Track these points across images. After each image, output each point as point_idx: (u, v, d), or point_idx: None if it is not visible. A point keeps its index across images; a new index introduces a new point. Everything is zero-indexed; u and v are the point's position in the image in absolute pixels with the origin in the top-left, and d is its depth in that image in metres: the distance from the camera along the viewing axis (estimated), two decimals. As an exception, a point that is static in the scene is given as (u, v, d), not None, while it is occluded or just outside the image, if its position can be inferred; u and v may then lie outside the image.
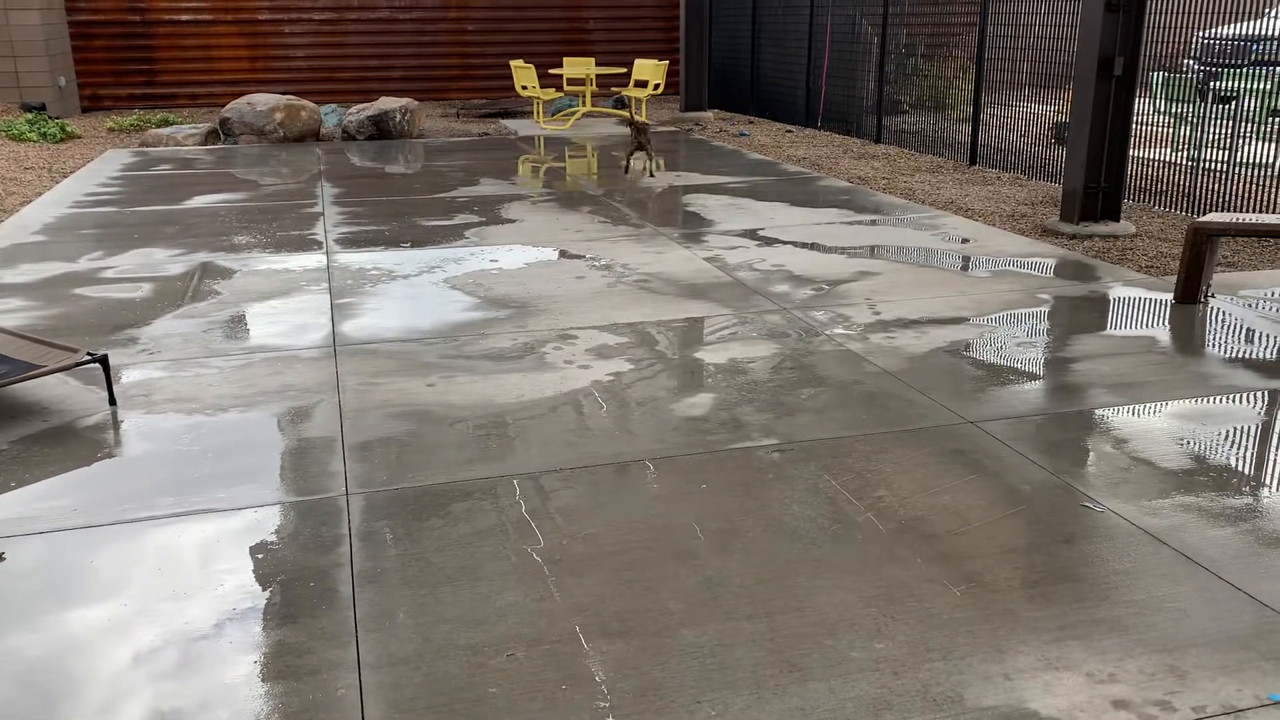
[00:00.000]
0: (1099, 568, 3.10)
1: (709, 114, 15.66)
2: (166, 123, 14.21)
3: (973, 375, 4.71)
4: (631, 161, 10.82)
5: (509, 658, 2.67)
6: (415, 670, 2.62)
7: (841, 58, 13.32)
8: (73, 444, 3.98)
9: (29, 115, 13.26)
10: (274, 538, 3.28)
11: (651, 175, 10.33)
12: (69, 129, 12.96)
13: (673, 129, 14.48)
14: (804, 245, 7.29)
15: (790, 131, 14.05)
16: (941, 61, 11.54)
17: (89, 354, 4.33)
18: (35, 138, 12.28)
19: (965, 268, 6.66)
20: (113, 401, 4.36)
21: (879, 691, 2.55)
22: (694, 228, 7.89)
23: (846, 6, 13.05)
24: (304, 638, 2.75)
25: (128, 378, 4.68)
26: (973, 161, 10.84)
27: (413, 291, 6.13)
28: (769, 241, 7.42)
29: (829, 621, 2.83)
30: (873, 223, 8.06)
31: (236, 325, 5.49)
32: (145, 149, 12.44)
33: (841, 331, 5.32)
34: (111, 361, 4.82)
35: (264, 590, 2.98)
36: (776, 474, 3.73)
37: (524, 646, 2.72)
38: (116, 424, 4.17)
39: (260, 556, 3.17)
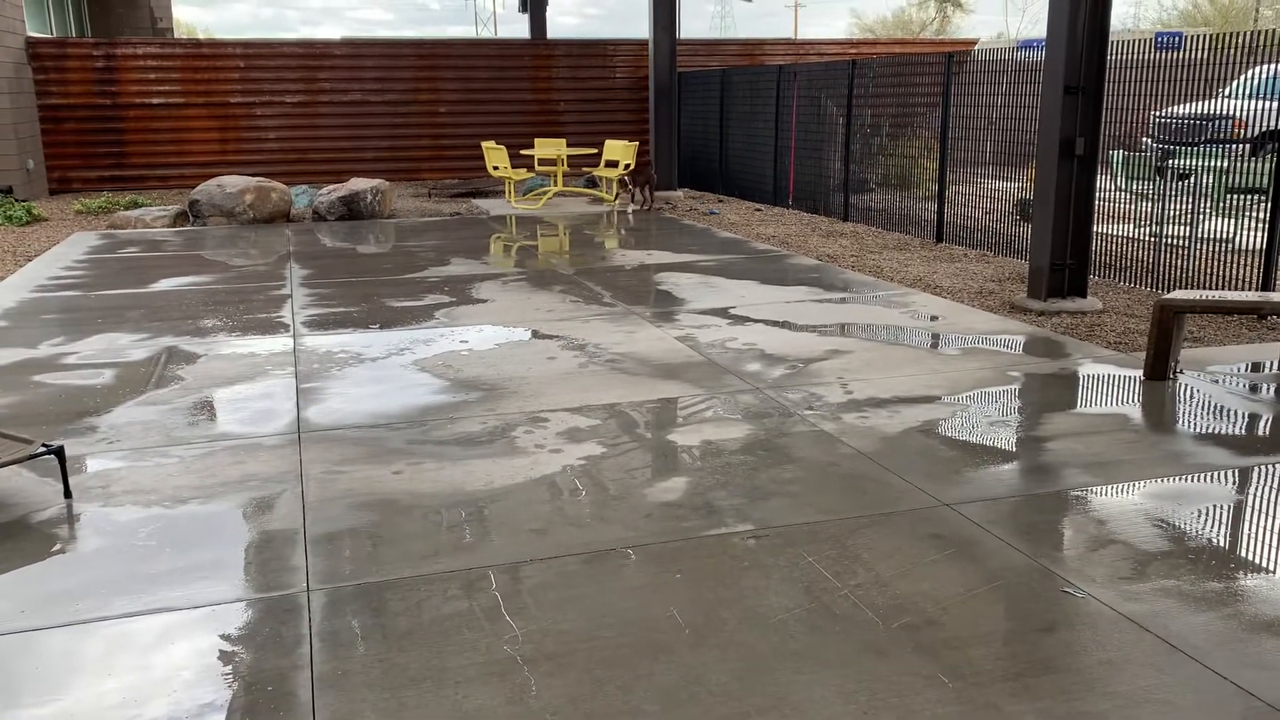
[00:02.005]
0: (1082, 657, 3.02)
1: (679, 193, 15.83)
2: (135, 204, 14.17)
3: (947, 456, 4.67)
4: (636, 192, 12.53)
5: (476, 766, 2.55)
6: (377, 782, 2.49)
7: (808, 137, 13.55)
8: (23, 540, 3.84)
9: (-5, 198, 13.19)
10: (231, 638, 3.15)
11: (647, 209, 11.20)
12: (35, 212, 12.88)
13: (643, 208, 14.61)
14: (775, 323, 7.29)
15: (759, 210, 14.21)
16: (906, 140, 11.76)
17: (44, 445, 4.20)
18: (1, 221, 12.18)
19: (936, 345, 6.68)
20: (68, 494, 4.23)
21: (862, 796, 2.44)
22: (665, 306, 7.89)
23: (812, 88, 13.31)
24: (260, 748, 2.62)
25: (86, 468, 4.55)
26: (939, 239, 10.98)
27: (380, 374, 6.05)
28: (740, 320, 7.42)
29: (808, 719, 2.73)
30: (842, 300, 8.10)
31: (199, 412, 5.38)
32: (113, 231, 12.38)
33: (814, 412, 5.29)
34: (70, 451, 4.70)
35: (219, 696, 2.85)
36: (753, 561, 3.65)
37: (492, 753, 2.60)
38: (72, 518, 4.04)
39: (216, 659, 3.04)
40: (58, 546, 3.78)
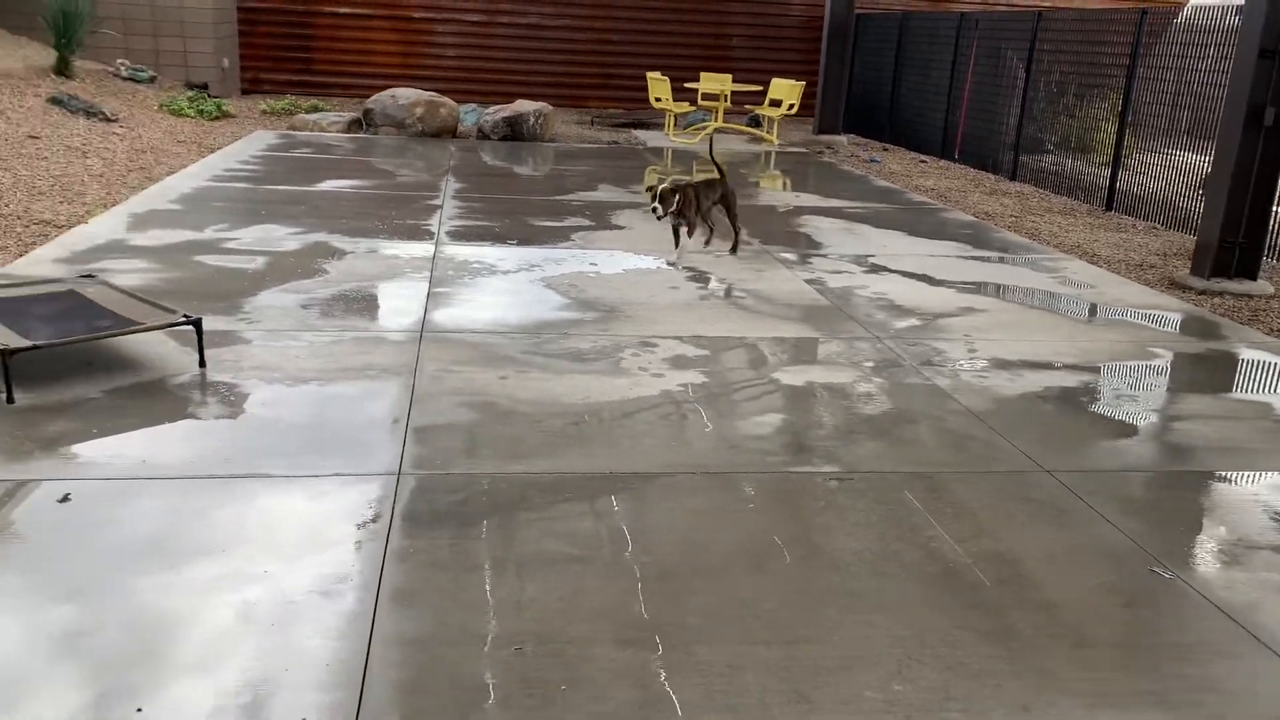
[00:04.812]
0: (1155, 637, 2.90)
1: (842, 138, 15.45)
2: (315, 109, 14.83)
3: (1061, 424, 4.48)
4: (696, 229, 7.14)
5: (516, 651, 2.66)
6: (424, 652, 2.63)
7: (983, 90, 12.96)
8: (156, 400, 4.17)
9: (191, 93, 14.03)
10: (322, 507, 3.35)
11: (733, 251, 7.33)
12: (225, 108, 13.65)
13: (802, 150, 14.34)
14: (912, 275, 7.09)
15: (923, 161, 13.74)
16: (1091, 102, 11.10)
17: (185, 316, 4.53)
18: (193, 114, 12.98)
19: (1078, 313, 6.37)
20: (203, 364, 4.55)
21: (886, 735, 2.43)
22: (802, 249, 7.78)
23: (993, 38, 12.70)
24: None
25: (222, 343, 4.87)
26: (1109, 207, 10.38)
27: (508, 287, 6.21)
28: (876, 269, 7.25)
29: (850, 657, 2.73)
30: (990, 260, 7.79)
31: (335, 303, 5.66)
32: (291, 132, 13.01)
33: (931, 366, 5.15)
34: (211, 326, 5.02)
35: (304, 558, 3.05)
36: (830, 502, 3.62)
37: (534, 642, 2.70)
38: (202, 385, 4.35)
39: (307, 523, 3.24)
40: (183, 410, 4.09)
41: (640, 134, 15.07)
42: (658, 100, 14.45)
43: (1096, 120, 10.99)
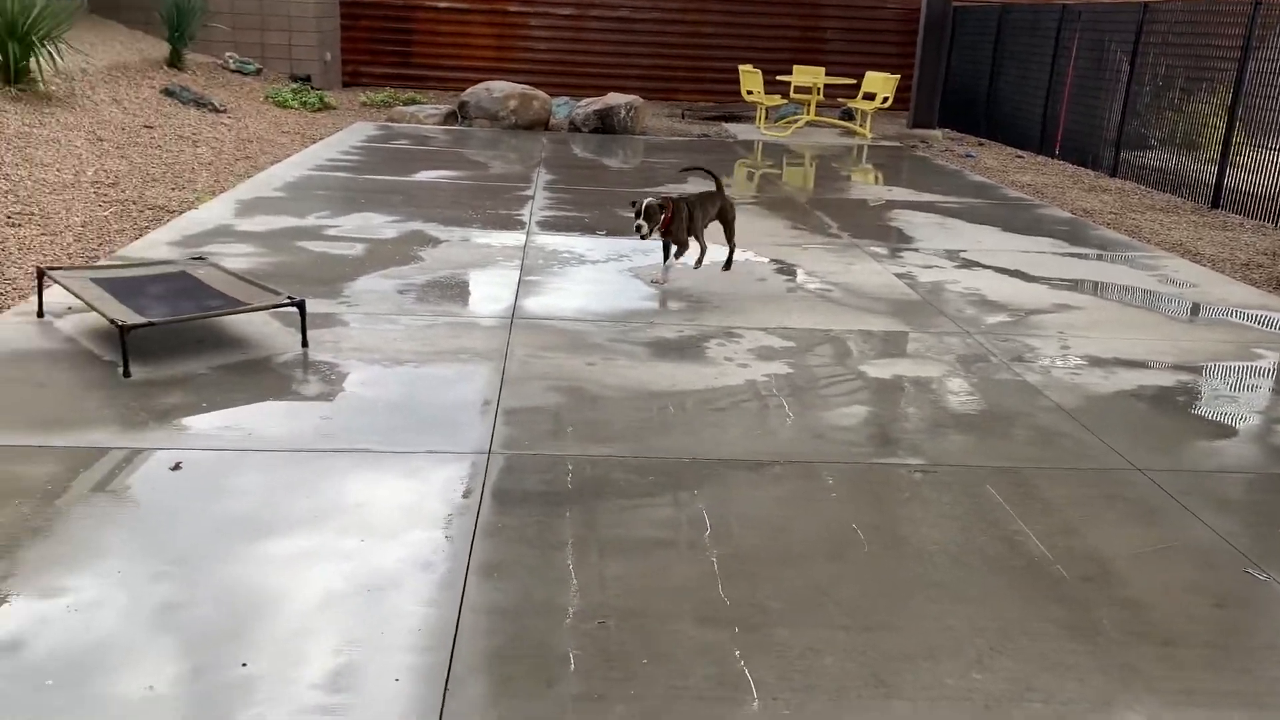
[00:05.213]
0: (1246, 639, 2.84)
1: (937, 132, 15.21)
2: (412, 101, 15.18)
3: (1156, 423, 4.39)
4: (687, 248, 6.20)
5: (599, 625, 2.74)
6: (511, 622, 2.73)
7: (1084, 85, 12.64)
8: (261, 376, 4.36)
9: (294, 86, 14.48)
10: (416, 483, 3.48)
11: (726, 268, 6.46)
12: (327, 100, 14.06)
13: (896, 145, 14.17)
14: (1005, 271, 6.99)
15: (1020, 157, 13.46)
16: (1198, 97, 10.73)
17: (289, 298, 4.72)
18: (296, 105, 13.40)
19: (1178, 313, 6.20)
20: (305, 344, 4.73)
21: (963, 722, 2.44)
22: (892, 242, 7.72)
23: (1096, 31, 12.37)
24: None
25: (323, 325, 5.06)
26: (1215, 205, 10.04)
27: (596, 276, 6.31)
28: (968, 264, 7.15)
29: (930, 645, 2.74)
30: (1087, 256, 7.62)
31: (430, 289, 5.82)
32: (389, 124, 13.34)
33: (1022, 363, 5.08)
34: (312, 309, 5.22)
35: (399, 532, 3.17)
36: (914, 494, 3.62)
37: (617, 617, 2.78)
38: (304, 364, 4.53)
39: (402, 498, 3.37)
40: (286, 388, 4.27)
41: (731, 127, 15.06)
42: (749, 93, 14.42)
43: (1204, 115, 10.62)
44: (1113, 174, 11.89)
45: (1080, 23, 12.73)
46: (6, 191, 7.07)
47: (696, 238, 6.27)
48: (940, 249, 7.59)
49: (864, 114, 14.65)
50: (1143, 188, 11.20)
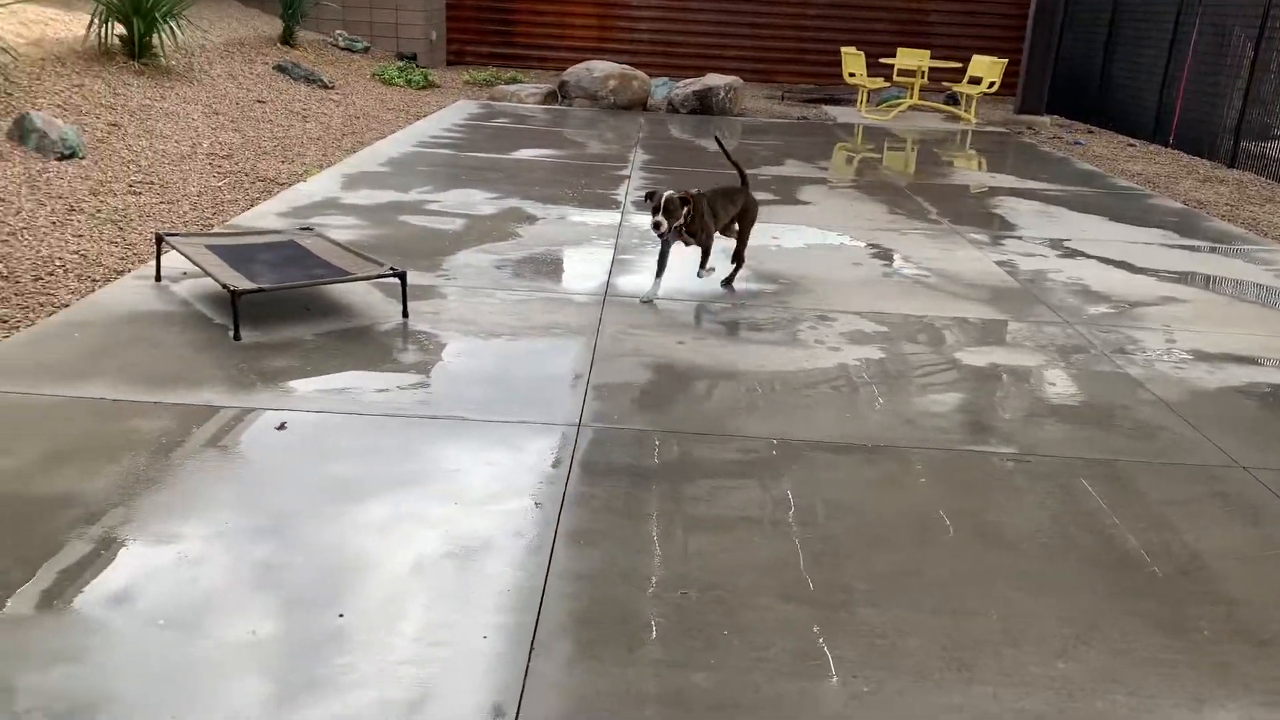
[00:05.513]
0: (1350, 644, 2.74)
1: (1045, 119, 14.79)
2: (514, 80, 15.36)
3: (1264, 420, 4.24)
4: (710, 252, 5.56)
5: (682, 595, 2.78)
6: (596, 588, 2.79)
7: (1204, 71, 12.14)
8: (363, 344, 4.50)
9: (400, 64, 14.78)
10: (509, 453, 3.57)
11: (727, 283, 5.70)
12: (431, 78, 14.33)
13: (1001, 130, 13.82)
14: (1110, 262, 6.79)
15: (1132, 145, 13.01)
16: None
17: (391, 269, 4.86)
18: (401, 83, 13.69)
19: (1294, 308, 5.96)
20: (405, 314, 4.87)
21: (1046, 710, 2.42)
22: (993, 229, 7.56)
23: (1218, 16, 11.86)
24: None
25: (423, 296, 5.20)
26: (1341, 197, 9.57)
27: (690, 256, 6.31)
28: (1072, 253, 6.97)
29: (1014, 632, 2.71)
30: (1198, 249, 7.36)
31: (526, 265, 5.92)
32: (491, 102, 13.54)
33: (1123, 354, 4.95)
34: (412, 280, 5.36)
35: (491, 500, 3.26)
36: (1005, 482, 3.58)
37: (699, 589, 2.82)
38: (404, 333, 4.67)
39: (495, 468, 3.46)
40: (386, 356, 4.41)
41: (831, 109, 14.88)
42: (851, 75, 14.23)
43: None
44: (1230, 164, 11.42)
45: (1201, 7, 12.22)
46: (129, 161, 7.41)
47: (722, 233, 5.63)
48: (1043, 237, 7.41)
49: (969, 98, 14.33)
50: (1262, 179, 10.73)
